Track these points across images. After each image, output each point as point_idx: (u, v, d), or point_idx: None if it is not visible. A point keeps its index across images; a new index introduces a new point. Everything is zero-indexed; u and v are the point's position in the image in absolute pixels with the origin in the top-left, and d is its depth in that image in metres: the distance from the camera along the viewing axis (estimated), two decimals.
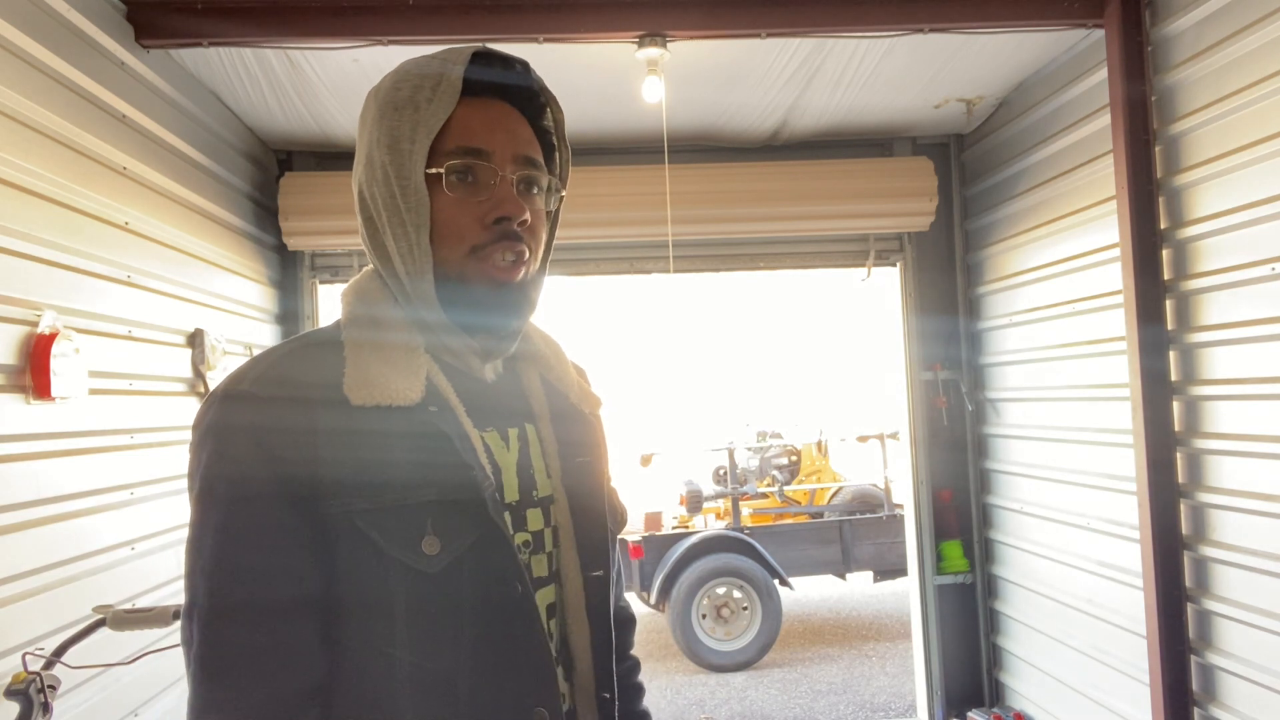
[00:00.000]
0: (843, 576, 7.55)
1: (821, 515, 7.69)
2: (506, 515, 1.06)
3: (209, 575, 0.96)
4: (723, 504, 7.83)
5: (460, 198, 1.05)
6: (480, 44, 1.10)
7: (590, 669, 1.12)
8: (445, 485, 1.01)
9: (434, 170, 1.04)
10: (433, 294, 1.06)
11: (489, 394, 1.13)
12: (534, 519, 1.11)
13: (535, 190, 1.09)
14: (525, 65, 1.11)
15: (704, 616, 6.60)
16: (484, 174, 1.05)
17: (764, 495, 8.18)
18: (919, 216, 4.30)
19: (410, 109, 1.04)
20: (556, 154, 1.17)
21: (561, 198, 1.16)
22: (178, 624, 1.97)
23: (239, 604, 0.96)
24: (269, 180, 4.12)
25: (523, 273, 1.08)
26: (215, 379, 3.22)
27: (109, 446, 2.62)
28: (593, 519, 1.15)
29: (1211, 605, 2.79)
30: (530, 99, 1.12)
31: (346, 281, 4.86)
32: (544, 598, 1.10)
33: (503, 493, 1.08)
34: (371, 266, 1.14)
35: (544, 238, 1.13)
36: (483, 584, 1.01)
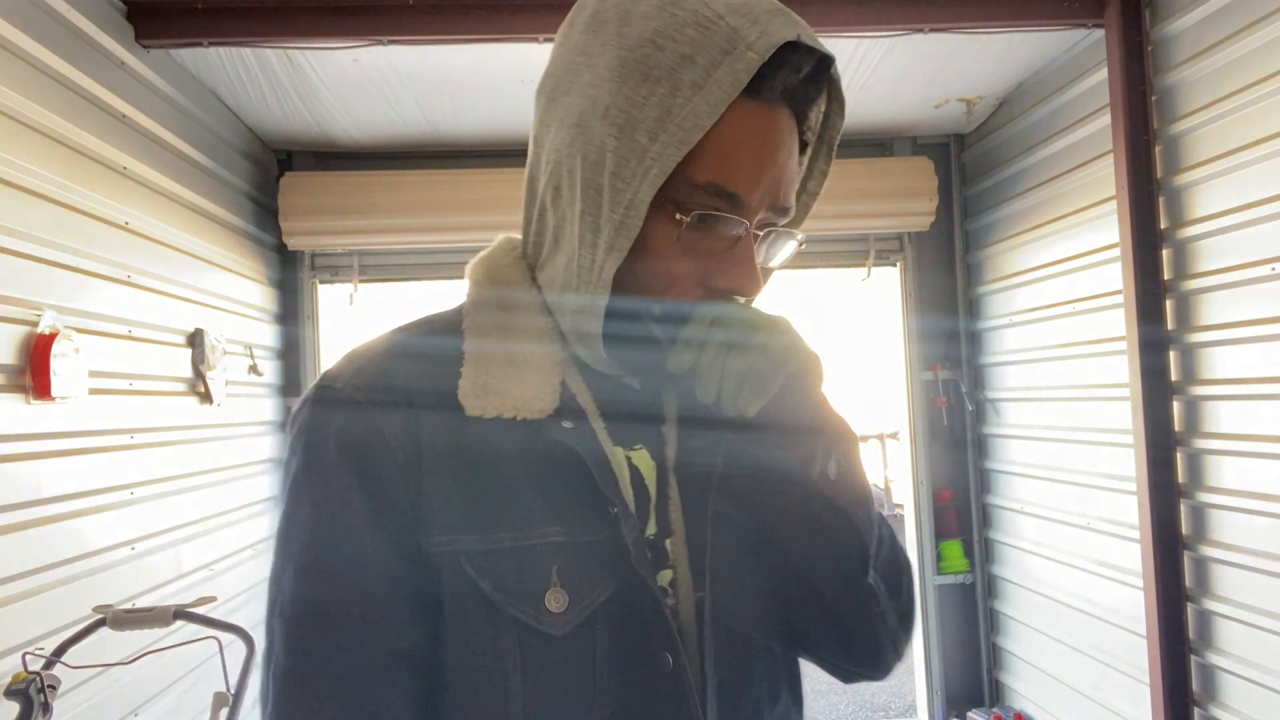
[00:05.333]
0: None
1: None
2: (648, 553, 0.83)
3: (288, 623, 0.79)
4: None
5: (686, 244, 0.78)
6: (790, 18, 0.76)
7: None
8: (575, 522, 0.80)
9: (666, 201, 0.77)
10: (594, 330, 0.81)
11: (638, 402, 0.89)
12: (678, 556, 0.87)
13: (775, 240, 0.85)
14: (833, 61, 0.82)
15: None
16: (727, 226, 0.78)
17: None
18: (919, 216, 4.30)
19: (667, 88, 0.74)
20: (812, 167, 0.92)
21: (798, 239, 0.89)
22: (178, 624, 1.98)
23: (319, 663, 0.78)
24: (269, 180, 4.12)
25: None
26: (215, 379, 3.22)
27: (109, 446, 2.61)
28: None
29: (1211, 605, 2.79)
30: (810, 101, 0.84)
31: (347, 281, 4.80)
32: None
33: (645, 526, 0.85)
34: (511, 238, 0.90)
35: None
36: (620, 651, 0.80)
